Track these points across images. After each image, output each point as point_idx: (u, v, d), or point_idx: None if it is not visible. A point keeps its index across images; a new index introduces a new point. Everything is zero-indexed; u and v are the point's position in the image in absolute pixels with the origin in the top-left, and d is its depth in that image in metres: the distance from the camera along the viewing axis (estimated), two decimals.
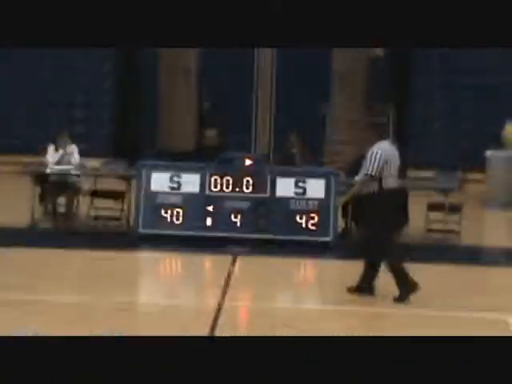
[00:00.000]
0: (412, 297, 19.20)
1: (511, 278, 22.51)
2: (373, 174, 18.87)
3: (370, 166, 18.85)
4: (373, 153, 18.99)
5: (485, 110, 27.92)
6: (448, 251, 23.86)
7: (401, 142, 28.06)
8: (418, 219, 25.22)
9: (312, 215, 23.90)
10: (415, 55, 31.25)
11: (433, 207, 25.28)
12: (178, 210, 23.84)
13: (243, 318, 19.38)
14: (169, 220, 23.93)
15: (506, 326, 18.19)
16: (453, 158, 26.89)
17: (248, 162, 23.99)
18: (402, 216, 20.99)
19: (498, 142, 27.07)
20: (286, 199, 24.16)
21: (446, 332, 17.39)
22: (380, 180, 19.06)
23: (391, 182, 19.31)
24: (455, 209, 24.17)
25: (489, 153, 27.27)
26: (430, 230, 25.34)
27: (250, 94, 29.94)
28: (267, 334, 17.20)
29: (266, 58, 30.37)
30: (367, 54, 29.89)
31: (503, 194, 26.72)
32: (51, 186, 24.52)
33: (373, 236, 19.70)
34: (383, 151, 18.99)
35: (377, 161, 18.82)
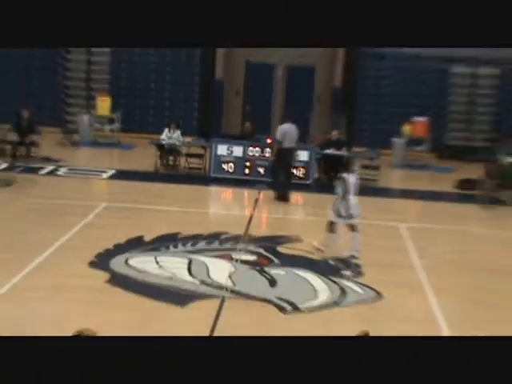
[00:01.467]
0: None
1: (404, 205, 23.73)
2: (277, 138, 22.24)
3: (278, 135, 22.18)
4: (279, 129, 22.38)
5: (393, 117, 28.36)
6: (371, 190, 24.21)
7: (350, 133, 29.45)
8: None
9: (301, 169, 24.25)
10: (357, 82, 30.51)
11: (364, 167, 24.58)
12: (231, 164, 24.30)
13: (264, 222, 20.78)
14: (226, 170, 24.39)
15: (396, 230, 19.58)
16: (376, 142, 27.57)
17: (269, 141, 24.37)
18: (290, 164, 22.78)
19: (399, 134, 27.93)
20: None
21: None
22: (281, 143, 21.89)
23: (287, 144, 22.00)
24: (376, 168, 25.04)
25: (394, 139, 28.16)
26: (361, 179, 25.43)
27: (269, 105, 30.72)
28: (275, 233, 18.87)
29: (278, 85, 31.24)
30: (331, 84, 30.99)
31: (401, 161, 27.36)
32: (165, 151, 25.04)
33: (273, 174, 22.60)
34: (283, 128, 22.20)
35: (280, 133, 22.09)
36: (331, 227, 16.88)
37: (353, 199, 16.87)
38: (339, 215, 16.79)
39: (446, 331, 12.28)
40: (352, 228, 16.90)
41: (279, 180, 22.75)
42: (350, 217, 16.82)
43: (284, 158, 22.40)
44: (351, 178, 17.08)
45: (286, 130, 22.24)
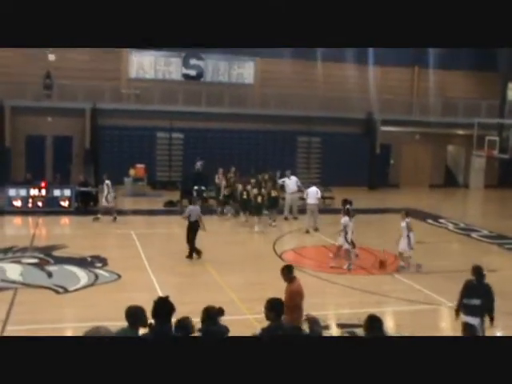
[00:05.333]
0: None
1: (134, 219, 24.00)
2: None
3: None
4: None
5: (123, 165, 28.82)
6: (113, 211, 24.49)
7: (96, 176, 28.75)
8: None
9: (66, 201, 22.99)
10: (100, 144, 29.06)
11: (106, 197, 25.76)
12: (19, 201, 23.72)
13: (43, 237, 19.68)
14: (15, 205, 23.54)
15: (130, 235, 19.35)
16: (114, 180, 27.45)
17: (43, 184, 24.05)
18: None
19: (128, 175, 28.82)
20: None
21: None
22: None
23: None
24: (114, 197, 25.30)
25: (125, 178, 28.63)
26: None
27: (43, 161, 29.92)
28: (50, 243, 18.22)
29: (48, 149, 30.58)
30: (83, 146, 30.78)
31: (130, 192, 28.67)
32: None
33: None
34: None
35: None
36: None
37: None
38: None
39: (160, 293, 12.40)
40: None
41: None
42: None
43: None
44: None
45: None
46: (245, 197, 21.72)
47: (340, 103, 31.84)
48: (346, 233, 15.92)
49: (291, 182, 23.49)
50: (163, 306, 5.49)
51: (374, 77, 33.32)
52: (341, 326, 11.43)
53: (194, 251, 16.36)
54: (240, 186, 22.50)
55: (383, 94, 33.10)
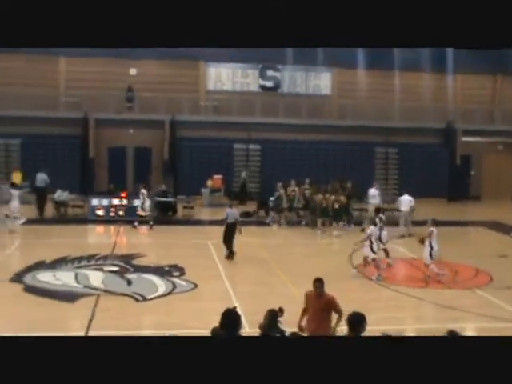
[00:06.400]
0: None
1: (211, 229, 24.16)
2: None
3: None
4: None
5: (201, 176, 29.43)
6: (189, 222, 24.23)
7: (175, 186, 29.35)
8: None
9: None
10: (178, 155, 29.68)
11: (184, 207, 24.96)
12: (101, 210, 24.16)
13: (123, 245, 19.91)
14: (98, 214, 23.83)
15: (206, 245, 19.18)
16: (191, 191, 27.47)
17: (123, 195, 24.55)
18: None
19: (205, 186, 28.52)
20: None
21: None
22: None
23: None
24: (192, 207, 25.57)
25: (203, 189, 28.31)
26: (183, 215, 26.93)
27: (125, 172, 30.58)
28: (129, 252, 18.55)
29: (129, 160, 31.15)
30: (162, 158, 30.88)
31: (208, 202, 29.29)
32: (58, 204, 24.96)
33: None
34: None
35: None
36: None
37: None
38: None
39: (235, 303, 12.36)
40: None
41: None
42: None
43: None
44: None
45: None
46: (324, 205, 22.87)
47: (418, 113, 31.27)
48: (372, 242, 15.78)
49: (374, 193, 23.43)
50: (230, 317, 5.52)
51: (453, 85, 32.57)
52: None
53: (231, 251, 17.36)
54: (320, 196, 23.26)
55: (463, 102, 32.26)
